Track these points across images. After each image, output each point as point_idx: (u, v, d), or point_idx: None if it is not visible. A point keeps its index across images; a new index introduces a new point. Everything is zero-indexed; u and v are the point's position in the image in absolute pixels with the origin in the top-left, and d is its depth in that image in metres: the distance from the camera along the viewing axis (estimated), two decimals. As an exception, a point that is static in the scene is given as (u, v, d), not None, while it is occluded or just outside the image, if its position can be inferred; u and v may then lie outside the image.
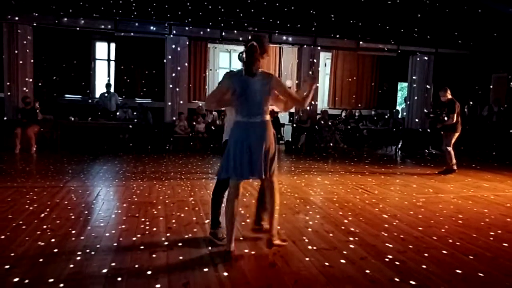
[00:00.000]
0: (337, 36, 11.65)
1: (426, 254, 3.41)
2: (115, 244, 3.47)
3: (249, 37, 3.29)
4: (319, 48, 12.02)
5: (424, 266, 3.15)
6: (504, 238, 3.90)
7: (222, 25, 10.95)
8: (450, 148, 7.67)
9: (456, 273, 3.05)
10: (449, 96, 7.65)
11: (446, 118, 7.57)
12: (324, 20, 11.26)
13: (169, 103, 10.98)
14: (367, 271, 3.04)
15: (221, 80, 3.36)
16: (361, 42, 12.01)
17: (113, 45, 12.20)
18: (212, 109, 3.52)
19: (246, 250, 3.39)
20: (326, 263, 3.16)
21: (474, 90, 12.27)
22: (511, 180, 7.26)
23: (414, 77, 12.49)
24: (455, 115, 7.49)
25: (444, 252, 3.49)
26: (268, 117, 3.20)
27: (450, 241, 3.78)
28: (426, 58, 12.45)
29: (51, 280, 2.74)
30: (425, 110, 11.94)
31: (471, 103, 12.15)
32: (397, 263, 3.21)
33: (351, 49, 12.37)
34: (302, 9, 11.00)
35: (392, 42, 11.98)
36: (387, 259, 3.29)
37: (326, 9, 11.08)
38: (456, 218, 4.58)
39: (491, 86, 12.23)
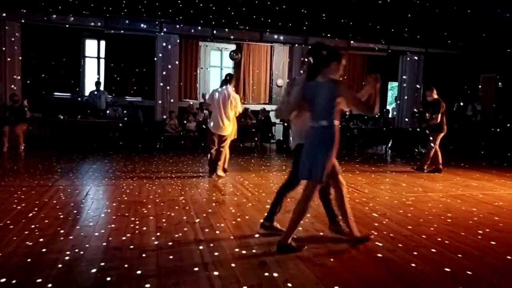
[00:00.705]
0: (328, 35, 11.69)
1: (415, 253, 3.44)
2: (104, 243, 3.44)
3: (315, 45, 3.41)
4: (310, 47, 12.03)
5: (413, 265, 3.18)
6: (492, 237, 3.95)
7: (213, 23, 10.93)
8: (436, 148, 7.76)
9: (444, 272, 3.08)
10: (435, 96, 7.70)
11: (430, 118, 7.64)
12: (315, 19, 11.29)
13: (160, 102, 10.93)
14: (357, 270, 3.05)
15: (299, 89, 3.39)
16: (352, 42, 12.08)
17: (103, 43, 12.11)
18: (287, 118, 3.76)
19: (237, 249, 3.38)
20: (317, 262, 3.17)
21: (463, 90, 12.41)
22: (499, 179, 7.36)
23: (404, 77, 12.60)
24: (440, 115, 7.56)
25: (433, 250, 3.51)
26: (336, 122, 3.23)
27: (439, 239, 3.81)
28: (416, 58, 12.56)
29: (39, 280, 2.71)
30: (415, 110, 12.04)
31: (461, 103, 12.30)
32: (387, 261, 3.23)
33: (342, 48, 12.39)
34: (294, 8, 11.01)
35: (382, 42, 12.05)
36: (377, 258, 3.30)
37: (317, 8, 11.11)
38: (445, 217, 4.63)
39: (480, 86, 12.37)
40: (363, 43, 12.07)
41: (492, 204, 5.36)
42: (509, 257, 3.41)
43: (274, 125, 12.49)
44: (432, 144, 7.74)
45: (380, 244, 3.63)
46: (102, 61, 12.20)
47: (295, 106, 3.39)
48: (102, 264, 3.01)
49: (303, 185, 3.47)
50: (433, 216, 4.67)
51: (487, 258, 3.39)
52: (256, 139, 11.79)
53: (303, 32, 11.68)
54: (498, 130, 10.77)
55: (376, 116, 11.39)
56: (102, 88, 11.53)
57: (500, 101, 11.18)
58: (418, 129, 10.84)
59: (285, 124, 11.99)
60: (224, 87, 6.62)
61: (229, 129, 6.64)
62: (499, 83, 11.62)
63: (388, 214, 4.69)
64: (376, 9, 11.20)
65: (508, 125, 10.22)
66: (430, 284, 2.86)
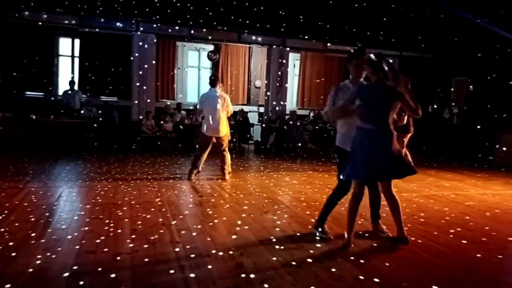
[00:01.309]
0: (306, 37, 11.79)
1: (389, 252, 3.51)
2: (77, 247, 3.36)
3: (374, 53, 3.52)
4: (288, 49, 12.12)
5: (387, 264, 3.23)
6: (463, 236, 4.06)
7: (191, 23, 10.86)
8: (404, 149, 7.96)
9: (417, 270, 3.15)
10: None
11: (397, 119, 7.81)
12: (293, 21, 11.37)
13: (136, 102, 10.77)
14: (333, 270, 3.08)
15: (349, 94, 3.56)
16: (328, 44, 12.22)
17: (77, 41, 11.83)
18: (336, 120, 3.95)
19: (214, 251, 3.36)
20: (293, 263, 3.19)
21: (436, 92, 12.73)
22: (470, 179, 7.58)
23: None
24: (406, 117, 7.75)
25: (407, 249, 3.59)
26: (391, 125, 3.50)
27: (413, 239, 3.89)
28: (391, 60, 12.75)
29: (8, 285, 2.62)
30: None
31: (435, 106, 12.60)
32: (361, 261, 3.28)
33: (319, 50, 12.56)
34: (271, 10, 11.06)
35: (358, 45, 12.22)
36: (352, 258, 3.35)
37: (295, 10, 11.19)
38: (418, 217, 4.74)
39: (452, 89, 12.72)
40: (339, 45, 12.22)
41: (463, 204, 5.52)
42: (479, 255, 3.51)
43: (252, 126, 12.51)
44: (401, 146, 7.93)
45: (356, 244, 3.68)
46: (77, 60, 11.92)
47: (348, 110, 3.54)
48: (75, 268, 2.94)
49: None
50: (407, 216, 4.75)
51: (458, 257, 3.49)
52: (234, 140, 11.76)
53: (281, 34, 11.75)
54: (469, 132, 11.11)
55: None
56: (76, 87, 11.26)
57: (471, 103, 11.53)
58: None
59: (263, 125, 12.03)
60: (211, 89, 6.65)
61: (224, 130, 6.62)
62: (470, 86, 11.98)
63: (364, 215, 4.74)
64: (352, 12, 11.37)
65: (479, 127, 10.55)
66: (403, 283, 2.91)
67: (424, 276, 3.06)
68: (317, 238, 3.81)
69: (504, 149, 9.43)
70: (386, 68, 3.43)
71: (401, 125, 7.88)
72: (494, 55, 10.46)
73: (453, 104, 11.68)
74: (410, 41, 12.35)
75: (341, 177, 3.64)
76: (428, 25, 11.87)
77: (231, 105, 6.81)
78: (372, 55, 3.47)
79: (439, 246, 3.72)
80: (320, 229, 3.88)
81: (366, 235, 3.97)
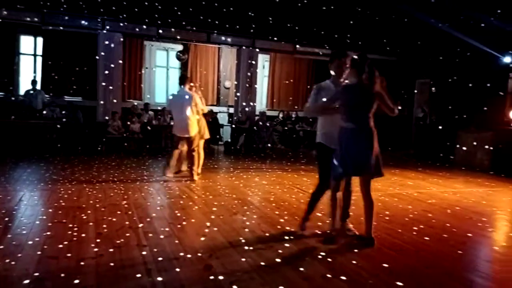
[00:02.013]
0: (275, 39, 11.87)
1: (356, 250, 3.58)
2: (39, 252, 3.24)
3: (353, 54, 3.70)
4: (257, 50, 12.16)
5: (354, 262, 3.30)
6: (426, 233, 4.20)
7: (159, 22, 10.70)
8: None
9: (383, 267, 3.23)
10: None
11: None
12: (262, 22, 11.42)
13: (102, 102, 10.51)
14: (301, 269, 3.11)
15: (333, 93, 3.69)
16: (297, 46, 12.35)
17: (40, 39, 11.40)
18: (315, 116, 4.04)
19: (182, 254, 3.32)
20: (262, 263, 3.20)
21: (400, 94, 13.10)
22: (432, 178, 7.86)
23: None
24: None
25: (373, 247, 3.67)
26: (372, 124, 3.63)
27: (378, 236, 3.98)
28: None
29: (-38, 295, 2.50)
30: None
31: (399, 107, 12.97)
32: (329, 259, 3.33)
33: (288, 52, 12.67)
34: (241, 11, 11.06)
35: (326, 47, 12.43)
36: (320, 256, 3.39)
37: (264, 12, 11.24)
38: (383, 215, 4.86)
39: (416, 91, 13.14)
40: (308, 47, 12.38)
41: (426, 202, 5.71)
42: (440, 251, 3.65)
43: (222, 126, 12.46)
44: None
45: (323, 244, 3.73)
46: (39, 59, 11.49)
47: (328, 108, 3.70)
48: (36, 274, 2.83)
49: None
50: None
51: (422, 253, 3.61)
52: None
53: (250, 35, 11.77)
54: (432, 131, 11.51)
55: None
56: (38, 87, 10.86)
57: (433, 105, 11.94)
58: None
59: (233, 126, 12.01)
60: (180, 88, 6.62)
61: (193, 129, 6.52)
62: (433, 88, 12.42)
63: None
64: (320, 15, 11.55)
65: (440, 127, 10.95)
66: (369, 279, 2.98)
67: (389, 272, 3.14)
68: (289, 239, 3.84)
69: (464, 148, 9.83)
70: (367, 69, 3.54)
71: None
72: (454, 58, 10.89)
73: (426, 104, 11.91)
74: (376, 44, 12.67)
75: (333, 177, 3.73)
76: (392, 29, 12.22)
77: (202, 103, 6.72)
78: (355, 57, 3.61)
79: (403, 243, 3.83)
80: (302, 228, 4.00)
81: (333, 233, 4.02)
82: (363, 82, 3.56)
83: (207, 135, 7.03)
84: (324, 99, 3.72)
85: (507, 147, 8.48)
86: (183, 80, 6.65)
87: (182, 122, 6.51)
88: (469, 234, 4.24)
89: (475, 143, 9.61)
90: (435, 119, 11.06)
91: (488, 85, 9.74)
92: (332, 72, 3.88)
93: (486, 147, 9.24)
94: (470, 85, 10.12)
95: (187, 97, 6.49)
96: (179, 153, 6.81)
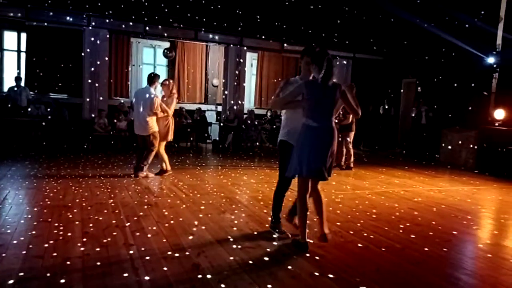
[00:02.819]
0: (263, 37, 11.87)
1: (343, 248, 3.60)
2: (24, 252, 3.19)
3: (318, 49, 3.60)
4: (245, 48, 12.14)
5: (341, 260, 3.33)
6: (412, 230, 4.26)
7: (145, 19, 10.60)
8: (350, 148, 8.39)
9: (369, 265, 3.26)
10: None
11: (343, 118, 8.19)
12: (250, 21, 11.41)
13: (88, 99, 10.37)
14: (289, 267, 3.12)
15: (295, 86, 3.59)
16: (285, 45, 12.36)
17: (24, 35, 11.20)
18: (278, 110, 4.04)
19: (169, 252, 3.30)
20: (250, 262, 3.20)
21: (387, 93, 13.25)
22: (418, 176, 7.96)
23: (334, 80, 13.11)
24: (351, 116, 8.17)
25: (360, 245, 3.71)
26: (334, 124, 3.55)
27: (365, 234, 4.03)
28: (345, 62, 13.18)
29: None
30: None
31: (386, 106, 13.10)
32: (317, 257, 3.35)
33: (276, 50, 12.68)
34: (229, 9, 11.03)
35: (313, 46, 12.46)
36: (308, 254, 3.41)
37: (252, 10, 11.23)
38: (371, 213, 4.91)
39: (402, 90, 13.28)
40: (296, 46, 12.40)
41: (412, 200, 5.78)
42: (426, 249, 3.70)
43: (210, 125, 12.42)
44: (348, 143, 8.38)
45: (311, 241, 3.74)
46: (23, 55, 11.28)
47: (289, 101, 3.60)
48: (21, 274, 2.79)
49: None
50: (360, 212, 4.93)
51: (407, 251, 3.65)
52: (191, 139, 11.64)
53: (238, 33, 11.74)
54: (418, 131, 11.65)
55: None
56: (23, 84, 10.67)
57: (419, 104, 12.07)
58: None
59: (221, 124, 11.98)
60: (145, 87, 6.63)
61: (146, 129, 6.43)
62: (419, 88, 12.56)
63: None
64: (308, 14, 11.59)
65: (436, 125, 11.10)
66: (356, 277, 3.01)
67: (376, 270, 3.17)
68: (275, 237, 3.85)
69: (450, 147, 9.98)
70: (325, 65, 3.41)
71: (346, 124, 8.38)
72: (440, 58, 11.04)
73: (421, 104, 11.88)
74: (363, 43, 12.77)
75: (286, 175, 3.63)
76: (379, 28, 12.33)
77: (157, 105, 6.42)
78: (315, 53, 3.54)
79: (389, 241, 3.88)
80: (277, 230, 3.93)
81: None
82: (327, 78, 3.44)
83: (170, 138, 6.83)
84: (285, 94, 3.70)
85: (491, 146, 8.63)
86: (149, 79, 6.57)
87: (138, 120, 6.53)
88: (454, 232, 4.31)
89: (460, 142, 9.77)
90: (432, 115, 11.08)
91: (473, 85, 9.90)
92: (302, 68, 3.86)
93: (471, 146, 9.39)
94: (455, 84, 10.27)
95: (147, 96, 6.43)
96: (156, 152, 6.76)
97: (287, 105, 3.71)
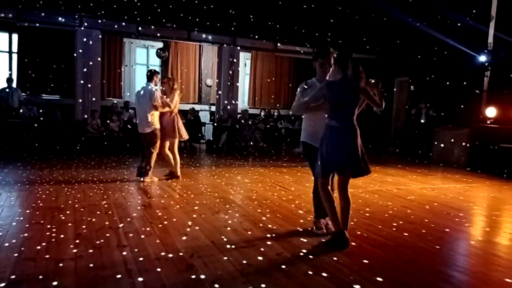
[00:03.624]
0: (256, 37, 11.87)
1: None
2: (15, 254, 3.17)
3: (335, 52, 3.74)
4: (238, 48, 12.13)
5: (335, 258, 3.33)
6: (405, 228, 4.28)
7: (138, 19, 10.56)
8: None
9: (363, 263, 3.28)
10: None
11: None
12: (244, 20, 11.40)
13: (80, 100, 10.31)
14: (283, 266, 3.13)
15: (316, 90, 3.67)
16: (279, 44, 12.37)
17: (15, 36, 11.11)
18: (302, 114, 4.03)
19: (163, 253, 3.29)
20: (244, 261, 3.20)
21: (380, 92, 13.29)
22: (411, 175, 8.00)
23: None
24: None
25: (353, 243, 3.72)
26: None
27: (358, 233, 4.05)
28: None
29: None
30: None
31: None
32: (310, 256, 3.36)
33: (269, 50, 12.68)
34: (222, 8, 11.02)
35: (307, 46, 12.50)
36: (301, 254, 3.42)
37: (245, 10, 11.22)
38: (364, 211, 4.93)
39: (395, 89, 13.34)
40: (289, 45, 12.42)
41: (405, 198, 5.82)
42: (419, 247, 3.72)
43: (203, 125, 12.40)
44: None
45: (305, 240, 3.76)
46: (15, 56, 11.19)
47: (309, 105, 3.71)
48: (13, 277, 2.77)
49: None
50: (353, 211, 4.89)
51: (401, 249, 3.67)
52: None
53: (231, 33, 11.73)
54: (412, 129, 11.72)
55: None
56: (14, 85, 10.59)
57: (412, 102, 12.15)
58: None
59: (215, 124, 11.97)
60: (145, 85, 6.48)
61: (148, 126, 6.23)
62: (411, 86, 12.63)
63: (313, 211, 4.86)
64: (301, 13, 11.60)
65: (423, 121, 11.16)
66: (350, 276, 3.02)
67: (369, 268, 3.19)
68: (271, 237, 3.85)
69: (442, 145, 10.04)
70: (350, 64, 3.49)
71: None
72: (432, 57, 11.10)
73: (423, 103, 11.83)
74: (356, 42, 12.81)
75: (315, 175, 3.75)
76: (372, 28, 12.37)
77: (159, 100, 6.22)
78: (337, 53, 3.63)
79: (383, 239, 3.90)
80: (315, 225, 4.05)
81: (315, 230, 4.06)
82: (348, 78, 3.51)
83: (184, 136, 6.63)
84: (307, 98, 3.75)
85: (483, 144, 8.70)
86: (149, 75, 6.43)
87: (139, 117, 6.47)
88: (447, 230, 4.34)
89: (452, 140, 9.83)
90: (432, 113, 11.08)
91: (465, 83, 9.97)
92: (317, 70, 3.92)
93: (463, 144, 9.46)
94: (448, 83, 10.34)
95: (146, 90, 6.30)
96: (168, 154, 6.59)
97: (308, 109, 3.78)
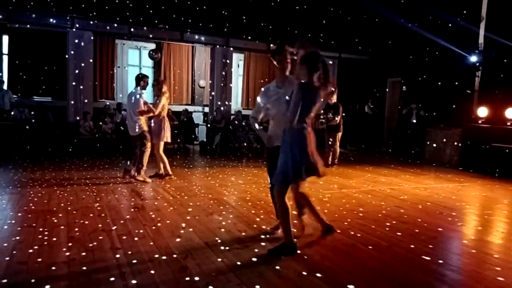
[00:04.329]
0: (249, 38, 11.87)
1: (330, 247, 3.62)
2: (7, 258, 3.13)
3: (291, 49, 3.62)
4: (231, 49, 12.13)
5: (329, 259, 3.34)
6: (398, 228, 4.30)
7: (130, 20, 10.52)
8: (337, 147, 8.55)
9: (357, 263, 3.29)
10: (335, 100, 8.42)
11: (331, 119, 8.31)
12: (236, 21, 11.40)
13: (72, 102, 10.24)
14: (277, 267, 3.13)
15: (303, 93, 3.35)
16: (271, 45, 12.36)
17: (6, 38, 11.00)
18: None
19: (157, 255, 3.28)
20: (238, 263, 3.19)
21: (372, 92, 13.37)
22: (404, 174, 8.05)
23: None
24: (339, 117, 8.33)
25: (347, 243, 3.73)
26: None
27: (352, 233, 4.06)
28: (331, 62, 13.23)
29: None
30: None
31: (371, 105, 13.20)
32: (305, 257, 3.36)
33: (262, 51, 12.68)
34: (214, 9, 11.00)
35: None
36: (296, 254, 3.41)
37: (238, 10, 11.22)
38: (357, 211, 4.94)
39: (387, 89, 13.42)
40: (282, 46, 12.42)
41: (398, 198, 5.85)
42: (412, 246, 3.74)
43: (197, 126, 12.37)
44: (334, 143, 8.60)
45: (299, 241, 3.76)
46: (5, 58, 11.08)
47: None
48: (4, 281, 2.74)
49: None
50: (347, 211, 4.96)
51: (394, 248, 3.69)
52: (178, 140, 11.56)
53: (224, 34, 11.72)
54: (404, 129, 11.79)
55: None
56: (5, 87, 10.48)
57: (404, 103, 12.23)
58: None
59: (208, 125, 11.94)
60: (133, 89, 6.58)
61: (135, 129, 6.36)
62: (404, 87, 12.71)
63: (306, 211, 4.87)
64: (294, 14, 11.62)
65: (415, 121, 11.23)
66: (343, 276, 3.02)
67: (363, 268, 3.20)
68: (265, 238, 3.84)
69: (434, 145, 10.11)
70: (321, 67, 3.29)
71: (334, 124, 8.55)
72: (424, 57, 11.18)
73: (413, 102, 11.85)
74: (348, 43, 12.87)
75: (272, 181, 3.58)
76: (364, 28, 12.43)
77: (141, 105, 6.35)
78: (308, 54, 3.38)
79: (376, 239, 3.91)
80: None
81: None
82: (313, 82, 3.28)
83: (166, 138, 6.75)
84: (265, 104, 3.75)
85: (475, 144, 8.77)
86: (137, 80, 6.60)
87: (128, 121, 6.57)
88: (440, 229, 4.36)
89: (444, 140, 9.91)
90: (423, 113, 11.12)
91: (456, 83, 10.05)
92: (276, 69, 3.82)
93: (455, 143, 9.53)
94: (439, 83, 10.41)
95: (132, 97, 6.45)
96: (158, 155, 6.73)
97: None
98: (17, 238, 3.60)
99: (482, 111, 9.09)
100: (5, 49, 11.08)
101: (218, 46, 11.93)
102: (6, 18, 9.48)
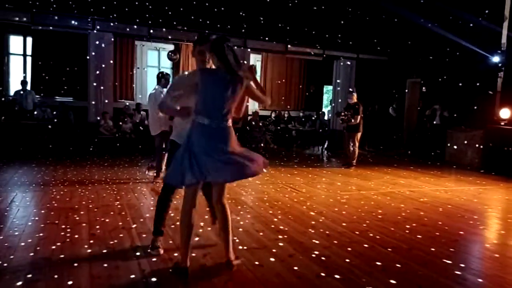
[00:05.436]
0: (266, 39, 11.87)
1: (349, 249, 3.60)
2: (31, 254, 3.22)
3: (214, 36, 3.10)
4: (249, 50, 12.16)
5: (347, 260, 3.32)
6: (418, 231, 4.24)
7: (149, 22, 10.64)
8: (356, 147, 8.50)
9: (376, 265, 3.26)
10: (355, 100, 8.36)
11: (352, 119, 8.27)
12: (254, 22, 11.42)
13: (93, 102, 10.42)
14: (295, 268, 3.13)
15: (185, 77, 3.20)
16: (289, 46, 12.36)
17: (29, 39, 11.29)
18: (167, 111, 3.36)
19: (176, 254, 3.31)
20: (256, 262, 3.20)
21: (391, 93, 13.21)
22: (424, 176, 7.92)
23: (338, 81, 13.13)
24: (359, 117, 8.26)
25: (366, 245, 3.70)
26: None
27: (371, 235, 4.02)
28: (349, 63, 13.15)
29: (-46, 298, 2.47)
30: (339, 110, 12.42)
31: (394, 106, 13.00)
32: (323, 258, 3.35)
33: (279, 52, 12.68)
34: (232, 11, 11.05)
35: (318, 47, 12.47)
36: (313, 255, 3.41)
37: (255, 12, 11.24)
38: (376, 213, 4.89)
39: (406, 90, 13.24)
40: (299, 47, 12.39)
41: (418, 200, 5.76)
42: (433, 249, 3.68)
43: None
44: (354, 144, 8.57)
45: (317, 242, 3.75)
46: (29, 59, 11.37)
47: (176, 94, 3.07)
48: (29, 276, 2.81)
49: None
50: (365, 213, 4.92)
51: (414, 251, 3.64)
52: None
53: (242, 35, 11.76)
54: (424, 131, 11.60)
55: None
56: (29, 87, 10.75)
57: (424, 104, 12.04)
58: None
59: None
60: (155, 87, 6.54)
61: (153, 129, 6.30)
62: (423, 88, 12.52)
63: (324, 212, 4.86)
64: (312, 15, 11.59)
65: (429, 125, 11.05)
66: (362, 277, 3.00)
67: (382, 270, 3.17)
68: (283, 238, 3.85)
69: (455, 147, 9.93)
70: (228, 53, 2.91)
71: (354, 124, 8.46)
72: (444, 58, 10.99)
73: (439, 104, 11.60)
74: (367, 44, 12.74)
75: (166, 181, 3.17)
76: (383, 29, 12.29)
77: (161, 97, 6.35)
78: (213, 39, 3.00)
79: (396, 242, 3.87)
80: (152, 244, 3.35)
81: (327, 232, 4.05)
82: (224, 67, 2.89)
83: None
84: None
85: (497, 146, 8.58)
86: (159, 78, 6.57)
87: (149, 121, 6.58)
88: (461, 232, 4.29)
89: (465, 142, 9.71)
90: (447, 114, 10.89)
91: (478, 84, 9.85)
92: (196, 60, 3.36)
93: (477, 145, 9.34)
94: (460, 84, 10.22)
95: (150, 95, 6.43)
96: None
97: (174, 102, 3.05)
98: (41, 234, 3.69)
99: (505, 113, 8.89)
100: (28, 51, 11.38)
101: (235, 47, 11.93)
102: (30, 20, 9.71)
